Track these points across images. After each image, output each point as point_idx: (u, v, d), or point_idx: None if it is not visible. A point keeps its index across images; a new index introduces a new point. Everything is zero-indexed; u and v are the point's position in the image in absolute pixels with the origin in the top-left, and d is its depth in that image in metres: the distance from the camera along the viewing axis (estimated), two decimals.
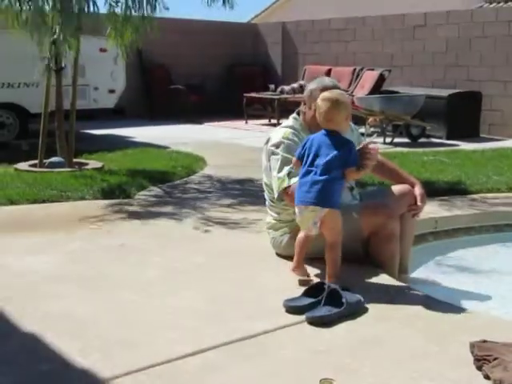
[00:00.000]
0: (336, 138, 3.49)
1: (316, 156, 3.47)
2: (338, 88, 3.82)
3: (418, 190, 3.91)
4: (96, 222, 4.92)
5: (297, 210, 3.54)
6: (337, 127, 3.51)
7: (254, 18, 23.92)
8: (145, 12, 6.76)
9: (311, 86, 3.90)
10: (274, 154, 3.85)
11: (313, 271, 3.66)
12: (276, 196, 3.87)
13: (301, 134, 3.86)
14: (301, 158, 3.55)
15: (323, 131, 3.52)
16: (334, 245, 3.51)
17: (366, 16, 13.49)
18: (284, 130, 3.93)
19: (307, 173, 3.48)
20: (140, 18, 6.79)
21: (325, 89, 3.73)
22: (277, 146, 3.85)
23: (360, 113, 10.44)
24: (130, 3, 6.66)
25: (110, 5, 6.79)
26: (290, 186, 3.72)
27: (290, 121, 4.01)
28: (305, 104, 3.93)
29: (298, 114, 4.01)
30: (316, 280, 3.48)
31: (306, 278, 3.56)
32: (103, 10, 6.87)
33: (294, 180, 3.68)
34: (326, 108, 3.48)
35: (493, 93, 11.37)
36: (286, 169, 3.75)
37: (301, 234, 3.64)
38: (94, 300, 3.30)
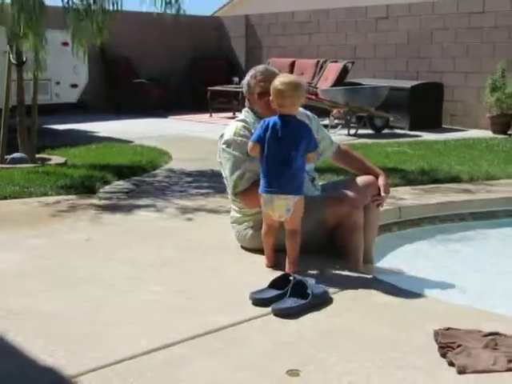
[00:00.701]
0: (296, 123, 3.53)
1: (280, 143, 3.46)
2: (271, 70, 3.87)
3: (381, 181, 3.95)
4: (61, 218, 4.88)
5: (265, 198, 3.54)
6: (296, 111, 3.56)
7: (217, 11, 23.82)
8: (107, 6, 6.70)
9: (246, 79, 3.91)
10: (225, 152, 3.84)
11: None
12: (230, 196, 3.92)
13: (253, 126, 3.82)
14: (261, 141, 3.52)
15: (280, 116, 3.50)
16: (296, 232, 3.55)
17: (329, 8, 13.52)
18: (236, 124, 3.89)
19: (273, 161, 3.47)
20: (101, 13, 6.71)
21: (258, 74, 3.80)
22: (228, 144, 3.82)
23: (324, 105, 10.49)
24: None
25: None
26: (245, 190, 3.75)
27: (242, 114, 3.98)
28: (248, 99, 3.93)
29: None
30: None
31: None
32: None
33: (247, 184, 3.73)
34: (289, 93, 3.46)
35: (454, 84, 11.50)
36: (238, 172, 3.75)
37: (264, 228, 3.66)
38: (59, 296, 3.26)
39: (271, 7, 16.03)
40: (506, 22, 10.78)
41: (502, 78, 10.55)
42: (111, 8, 6.71)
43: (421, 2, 12.44)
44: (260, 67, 3.93)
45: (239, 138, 3.79)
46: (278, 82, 3.52)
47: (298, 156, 3.45)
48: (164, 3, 6.88)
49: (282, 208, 3.49)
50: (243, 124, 3.86)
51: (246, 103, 3.99)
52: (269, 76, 3.71)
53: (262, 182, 3.52)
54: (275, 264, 3.65)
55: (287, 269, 3.50)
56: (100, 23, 6.65)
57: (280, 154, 3.45)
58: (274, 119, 3.52)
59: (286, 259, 3.54)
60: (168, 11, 6.95)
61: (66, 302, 3.19)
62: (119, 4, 6.69)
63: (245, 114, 3.96)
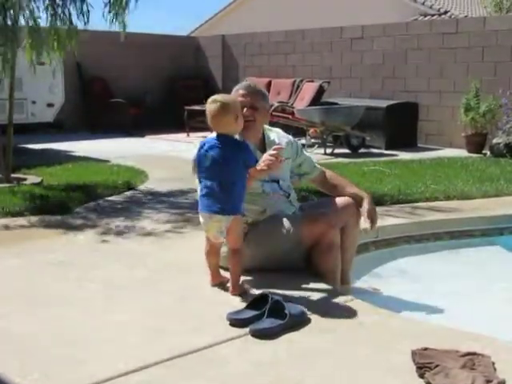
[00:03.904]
0: (228, 142, 3.48)
1: (213, 163, 3.44)
2: (251, 87, 3.83)
3: (366, 206, 3.92)
4: (35, 238, 4.83)
5: (201, 217, 3.54)
6: (226, 130, 3.49)
7: (194, 31, 23.93)
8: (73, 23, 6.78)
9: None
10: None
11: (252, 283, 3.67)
12: None
13: None
14: (198, 163, 3.52)
15: (215, 136, 3.50)
16: (236, 251, 3.56)
17: (304, 29, 13.63)
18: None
19: (208, 181, 3.46)
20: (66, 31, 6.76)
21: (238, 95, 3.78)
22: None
23: (301, 124, 10.54)
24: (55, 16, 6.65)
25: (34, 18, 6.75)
26: None
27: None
28: None
29: None
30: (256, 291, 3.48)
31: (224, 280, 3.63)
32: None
33: None
34: (213, 112, 3.46)
35: (429, 103, 11.62)
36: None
37: (205, 247, 3.67)
38: (33, 318, 3.22)
39: (247, 27, 16.14)
40: (479, 43, 10.94)
41: (476, 97, 10.67)
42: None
43: (395, 22, 12.59)
44: (239, 85, 3.91)
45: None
46: (208, 101, 3.49)
47: (230, 176, 3.42)
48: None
49: (215, 229, 3.50)
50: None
51: None
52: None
53: (199, 201, 3.53)
54: (220, 283, 3.65)
55: (230, 291, 3.53)
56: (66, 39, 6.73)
57: (215, 176, 3.44)
58: (209, 139, 3.51)
59: (230, 281, 3.57)
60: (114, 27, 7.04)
61: (40, 323, 3.15)
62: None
63: None
